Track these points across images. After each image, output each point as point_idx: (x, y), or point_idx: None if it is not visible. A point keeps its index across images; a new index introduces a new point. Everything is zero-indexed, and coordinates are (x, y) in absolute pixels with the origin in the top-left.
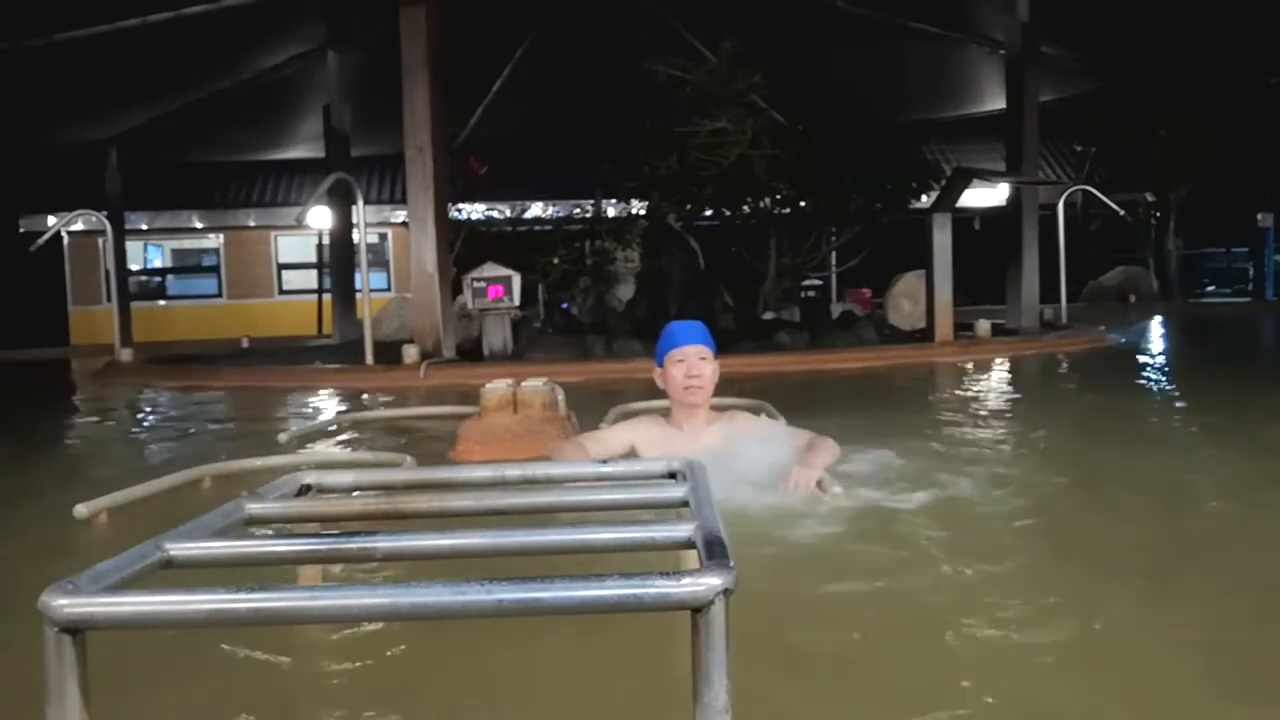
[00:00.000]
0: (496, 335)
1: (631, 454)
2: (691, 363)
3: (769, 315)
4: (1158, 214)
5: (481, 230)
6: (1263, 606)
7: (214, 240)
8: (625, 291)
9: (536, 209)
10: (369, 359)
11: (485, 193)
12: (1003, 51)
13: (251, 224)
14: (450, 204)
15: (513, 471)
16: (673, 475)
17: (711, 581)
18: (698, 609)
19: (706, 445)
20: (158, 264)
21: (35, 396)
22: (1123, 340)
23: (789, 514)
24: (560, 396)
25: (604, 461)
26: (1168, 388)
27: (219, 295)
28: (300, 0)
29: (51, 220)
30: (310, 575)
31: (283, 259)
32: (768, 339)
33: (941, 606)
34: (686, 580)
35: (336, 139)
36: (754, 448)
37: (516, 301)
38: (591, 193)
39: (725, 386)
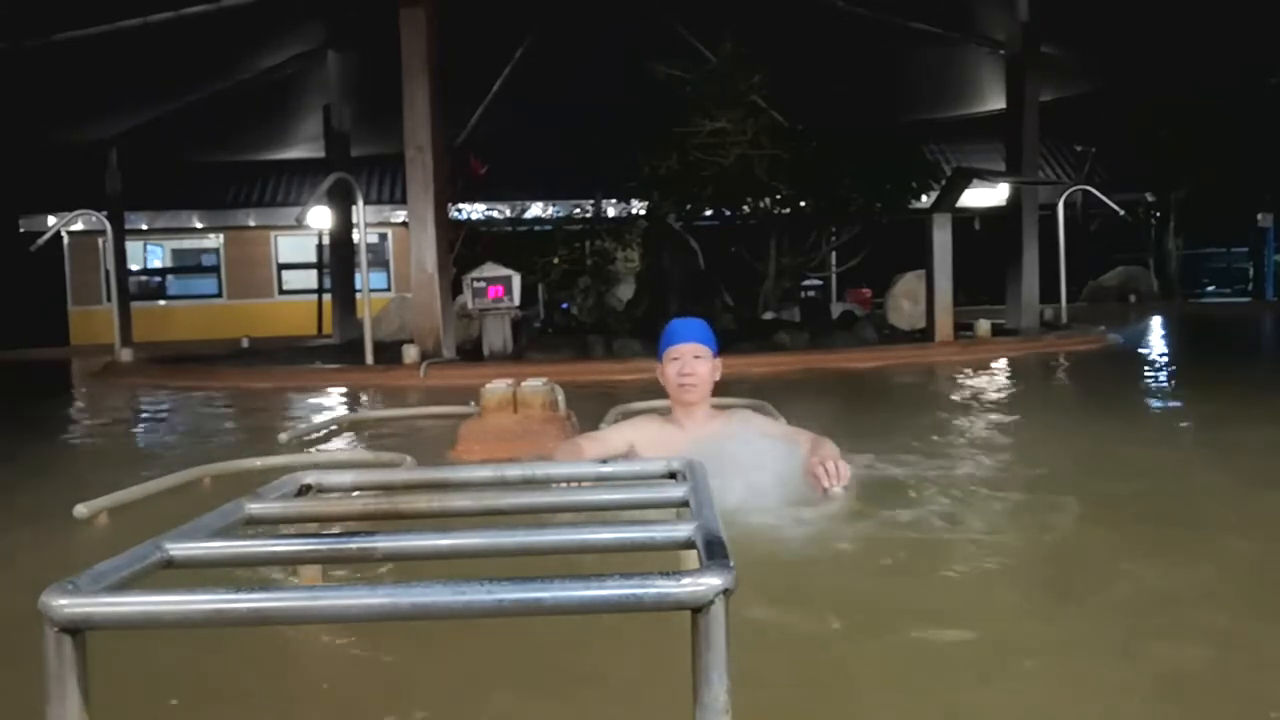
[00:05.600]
0: (496, 335)
1: (631, 453)
2: (685, 360)
3: (769, 315)
4: (1158, 214)
5: (481, 230)
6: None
7: (214, 240)
8: (625, 291)
9: (536, 209)
10: (369, 359)
11: (485, 193)
12: (1003, 51)
13: (251, 224)
14: (450, 204)
15: (513, 471)
16: (673, 475)
17: (711, 581)
18: (697, 609)
19: (707, 443)
20: (158, 264)
21: (35, 396)
22: (1123, 340)
23: (789, 512)
24: (560, 396)
25: (604, 461)
26: (1168, 387)
27: (219, 295)
28: (300, 0)
29: (51, 220)
30: (310, 575)
31: (283, 259)
32: (768, 339)
33: (939, 605)
34: (686, 580)
35: (336, 139)
36: (755, 446)
37: (516, 301)
38: (591, 193)
39: (725, 386)
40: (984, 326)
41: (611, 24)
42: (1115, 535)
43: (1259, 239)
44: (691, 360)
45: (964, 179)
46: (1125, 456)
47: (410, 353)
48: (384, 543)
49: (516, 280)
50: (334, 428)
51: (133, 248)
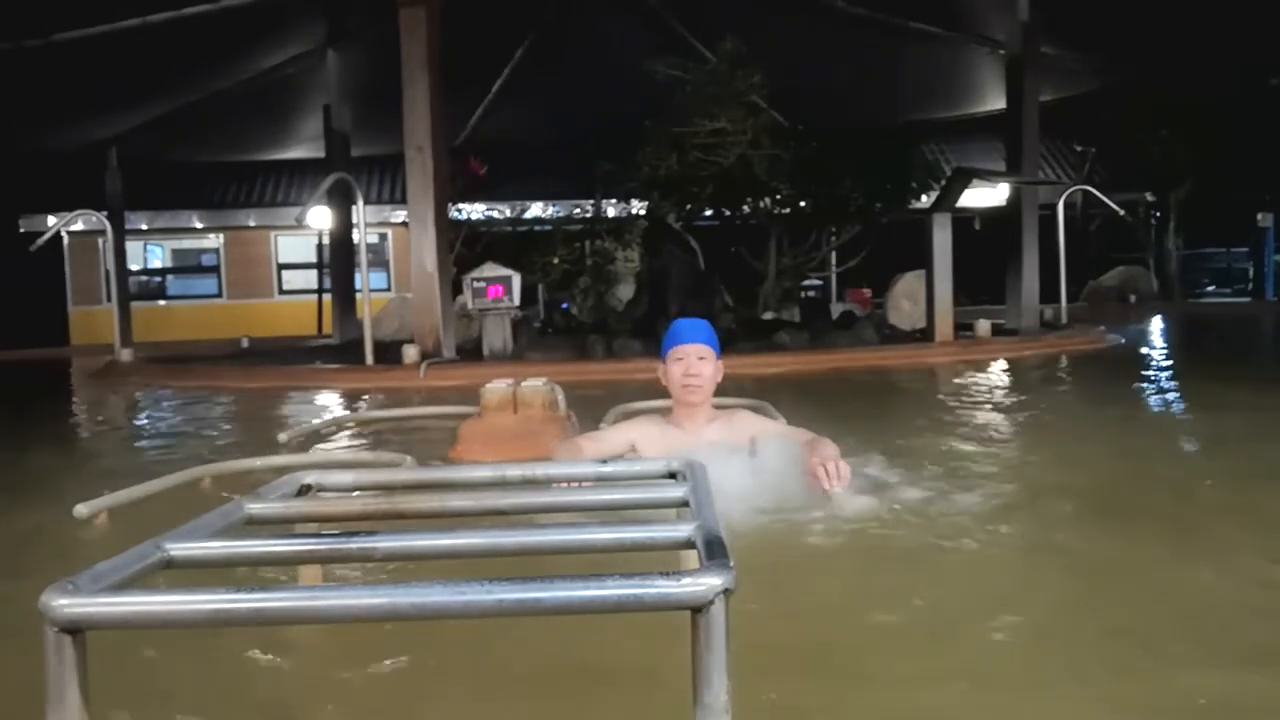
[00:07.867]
0: (496, 335)
1: (631, 453)
2: (690, 361)
3: (769, 315)
4: (1158, 214)
5: (481, 230)
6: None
7: (214, 240)
8: (625, 291)
9: (536, 209)
10: (369, 359)
11: (485, 193)
12: (1003, 51)
13: (251, 224)
14: (450, 204)
15: (513, 471)
16: (673, 475)
17: (711, 581)
18: (698, 609)
19: (707, 444)
20: (158, 264)
21: (35, 397)
22: (1123, 340)
23: (789, 512)
24: (560, 396)
25: (604, 461)
26: (1168, 388)
27: (219, 295)
28: (300, 0)
29: (51, 220)
30: (310, 575)
31: (283, 259)
32: (768, 339)
33: (936, 605)
34: (686, 580)
35: (336, 139)
36: (755, 446)
37: (516, 301)
38: (591, 193)
39: (725, 387)
40: (984, 326)
41: (611, 24)
42: (1115, 536)
43: (1259, 239)
44: (696, 361)
45: (964, 179)
46: (1121, 456)
47: (410, 353)
48: (384, 543)
49: (516, 280)
50: (334, 428)
51: (133, 248)
